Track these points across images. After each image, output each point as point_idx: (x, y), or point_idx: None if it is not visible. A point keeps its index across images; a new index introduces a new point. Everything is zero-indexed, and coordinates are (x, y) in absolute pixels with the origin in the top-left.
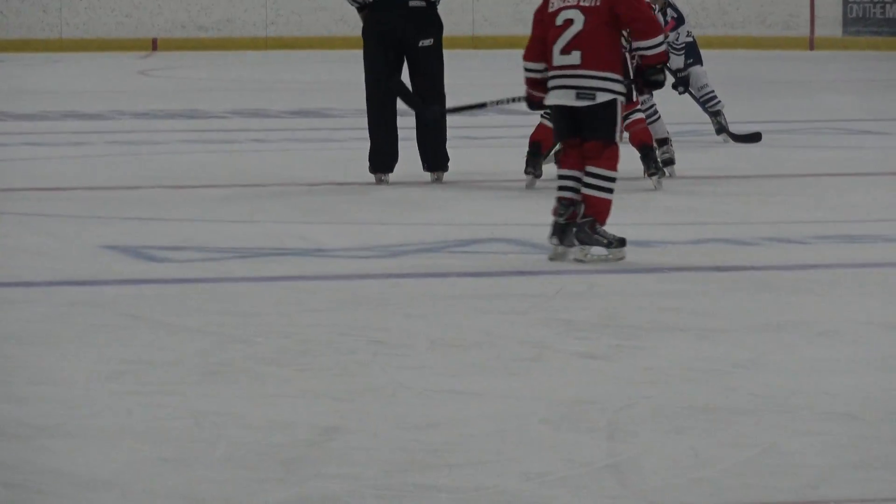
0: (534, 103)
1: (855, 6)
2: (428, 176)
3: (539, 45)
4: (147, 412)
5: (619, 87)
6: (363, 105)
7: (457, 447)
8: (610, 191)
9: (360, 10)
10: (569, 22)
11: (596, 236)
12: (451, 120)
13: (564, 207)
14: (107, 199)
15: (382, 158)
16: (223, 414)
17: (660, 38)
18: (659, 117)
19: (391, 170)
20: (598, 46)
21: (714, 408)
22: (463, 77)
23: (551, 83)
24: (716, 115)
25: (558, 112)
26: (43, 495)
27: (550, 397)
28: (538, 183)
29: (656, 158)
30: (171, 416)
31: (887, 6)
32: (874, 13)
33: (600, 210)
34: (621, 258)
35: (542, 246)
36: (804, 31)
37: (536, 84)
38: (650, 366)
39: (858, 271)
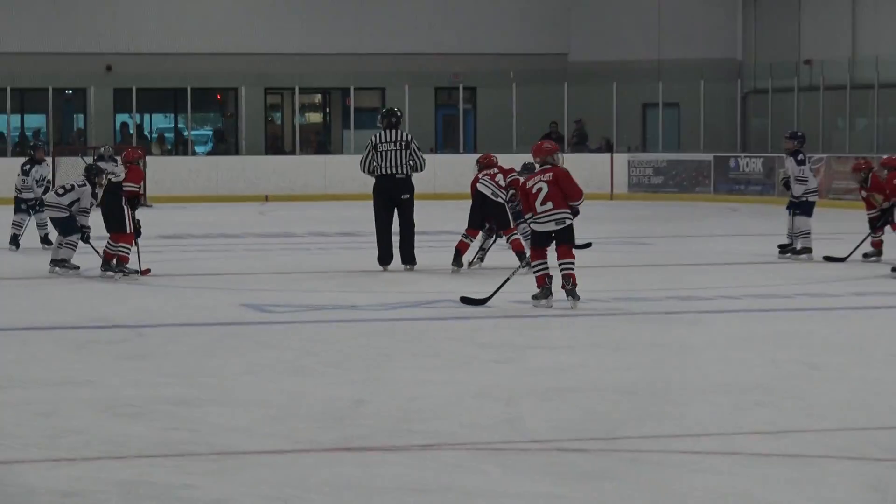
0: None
1: (634, 177)
2: (404, 267)
3: (528, 206)
4: (259, 389)
5: (571, 217)
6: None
7: (427, 409)
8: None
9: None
10: (540, 189)
11: (575, 291)
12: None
13: (551, 281)
14: (241, 280)
15: (384, 257)
16: (302, 393)
17: (582, 199)
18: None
19: (389, 263)
20: (558, 198)
21: (572, 388)
22: (429, 215)
23: (540, 219)
24: None
25: (543, 235)
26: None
27: (476, 383)
28: (461, 270)
29: (527, 258)
30: (274, 390)
31: (652, 177)
32: (646, 179)
33: (574, 279)
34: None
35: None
36: (607, 189)
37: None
38: (537, 367)
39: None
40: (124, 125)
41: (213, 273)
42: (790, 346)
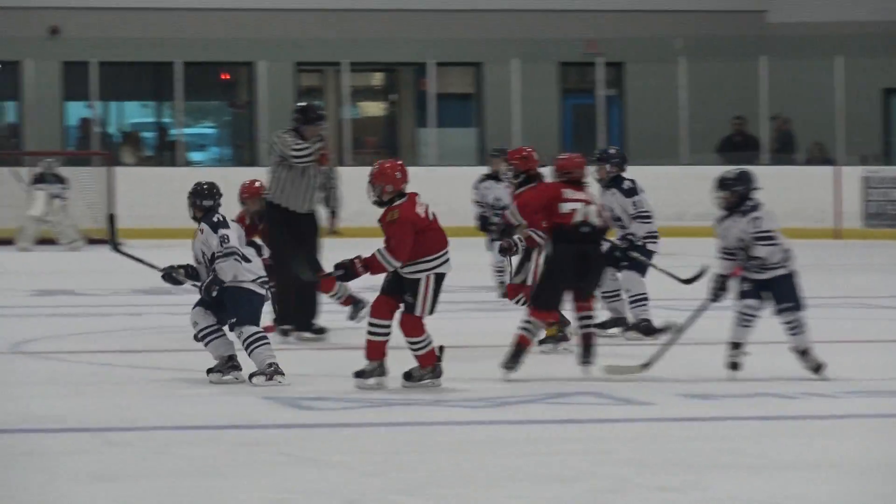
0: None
1: (874, 204)
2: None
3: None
4: None
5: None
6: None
7: None
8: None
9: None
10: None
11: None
12: None
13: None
14: None
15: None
16: None
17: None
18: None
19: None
20: None
21: None
22: None
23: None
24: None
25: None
26: None
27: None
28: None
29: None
30: None
31: None
32: (890, 209)
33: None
34: None
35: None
36: (830, 223)
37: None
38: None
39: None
40: (85, 122)
41: None
42: None
